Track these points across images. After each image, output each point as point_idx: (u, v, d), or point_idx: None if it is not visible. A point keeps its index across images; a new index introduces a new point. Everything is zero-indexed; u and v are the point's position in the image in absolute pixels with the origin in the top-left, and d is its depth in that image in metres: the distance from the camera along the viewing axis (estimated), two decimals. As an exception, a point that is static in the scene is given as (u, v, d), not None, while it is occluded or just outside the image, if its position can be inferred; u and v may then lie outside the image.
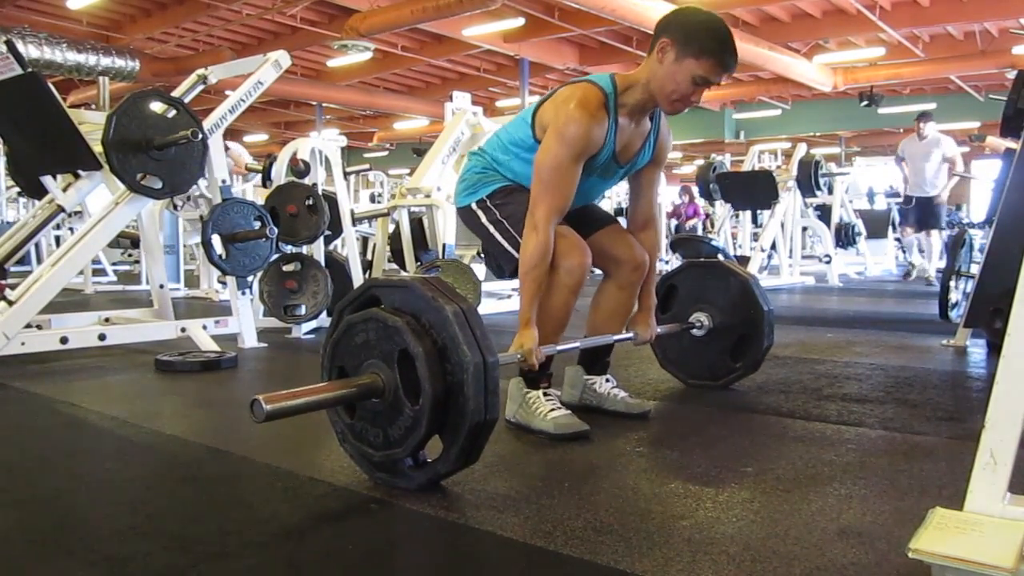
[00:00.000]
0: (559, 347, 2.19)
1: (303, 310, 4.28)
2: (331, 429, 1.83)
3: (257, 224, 3.84)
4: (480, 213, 2.30)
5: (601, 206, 2.56)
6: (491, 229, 2.27)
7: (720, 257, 7.34)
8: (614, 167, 2.24)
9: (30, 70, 3.41)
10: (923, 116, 7.81)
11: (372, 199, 12.33)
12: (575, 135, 2.06)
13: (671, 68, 2.05)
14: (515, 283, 2.48)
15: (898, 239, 11.86)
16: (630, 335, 2.41)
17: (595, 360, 2.46)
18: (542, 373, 2.26)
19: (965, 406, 2.67)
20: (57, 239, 8.48)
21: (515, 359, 2.05)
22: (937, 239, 8.02)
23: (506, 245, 2.24)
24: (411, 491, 1.70)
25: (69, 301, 6.02)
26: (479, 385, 1.58)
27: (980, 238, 5.59)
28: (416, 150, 16.62)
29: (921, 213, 7.90)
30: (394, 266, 5.88)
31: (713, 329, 2.67)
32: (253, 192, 7.24)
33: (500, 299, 5.52)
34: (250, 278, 4.00)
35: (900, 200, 8.69)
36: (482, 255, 5.03)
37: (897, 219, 10.21)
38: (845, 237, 9.22)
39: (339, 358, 1.76)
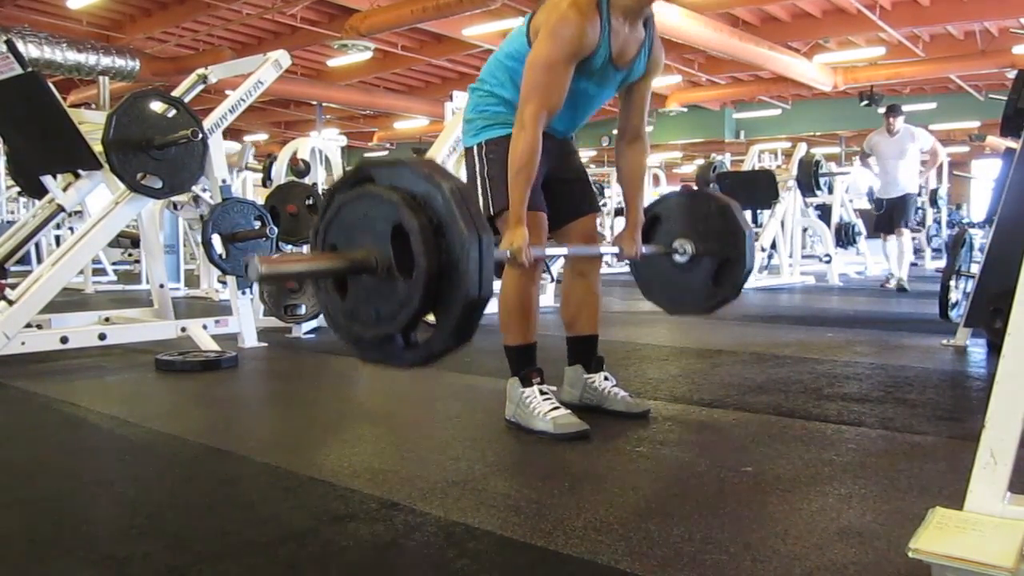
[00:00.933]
0: (548, 250, 2.16)
1: (303, 310, 4.28)
2: (331, 428, 1.83)
3: (257, 224, 3.84)
4: (476, 158, 2.28)
5: (596, 203, 2.56)
6: (477, 180, 2.26)
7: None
8: (611, 72, 2.22)
9: (30, 70, 3.41)
10: (892, 110, 7.06)
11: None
12: (568, 34, 2.05)
13: None
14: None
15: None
16: (616, 249, 2.40)
17: (590, 355, 2.47)
18: (530, 365, 2.27)
19: (965, 406, 2.67)
20: (57, 239, 8.47)
21: (505, 256, 2.02)
22: (907, 239, 7.22)
23: (483, 201, 2.23)
24: (417, 497, 1.70)
25: (69, 301, 6.02)
26: (474, 262, 1.56)
27: (980, 238, 5.58)
28: (416, 150, 16.57)
29: (889, 210, 7.08)
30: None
31: (695, 256, 2.64)
32: (253, 192, 7.24)
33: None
34: (250, 278, 4.00)
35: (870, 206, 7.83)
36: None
37: (862, 230, 9.44)
38: (845, 237, 9.21)
39: (331, 236, 1.73)
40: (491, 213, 2.19)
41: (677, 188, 17.40)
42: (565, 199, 2.36)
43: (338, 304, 1.74)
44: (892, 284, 7.18)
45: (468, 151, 2.32)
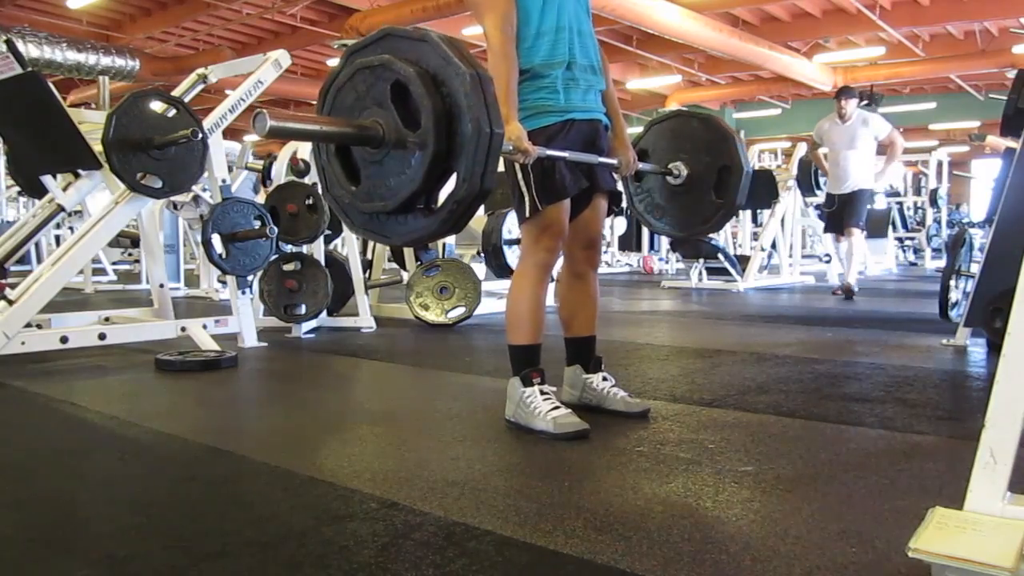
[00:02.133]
0: (548, 151, 2.14)
1: (303, 309, 4.28)
2: (331, 428, 1.83)
3: (257, 223, 3.84)
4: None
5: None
6: (519, 174, 2.23)
7: (720, 257, 7.39)
8: None
9: (30, 69, 3.42)
10: (844, 92, 6.23)
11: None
12: None
13: None
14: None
15: (899, 239, 11.87)
16: (615, 161, 2.38)
17: (587, 356, 2.47)
18: (533, 366, 2.28)
19: (965, 406, 2.67)
20: (57, 238, 8.48)
21: (508, 148, 2.00)
22: (860, 240, 6.35)
23: (525, 196, 2.22)
24: (417, 497, 1.70)
25: (69, 300, 6.02)
26: (482, 153, 1.57)
27: (980, 238, 5.58)
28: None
29: (840, 207, 6.28)
30: (394, 265, 5.89)
31: (691, 174, 2.63)
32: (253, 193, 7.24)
33: (500, 299, 5.53)
34: (250, 277, 4.00)
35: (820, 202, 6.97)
36: (482, 254, 5.05)
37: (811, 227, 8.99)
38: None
39: (340, 102, 1.72)
40: (537, 209, 2.20)
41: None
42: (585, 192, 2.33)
43: (351, 192, 1.72)
44: (842, 291, 6.38)
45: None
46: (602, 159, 2.33)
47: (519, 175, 2.22)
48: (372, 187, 1.70)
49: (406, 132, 1.61)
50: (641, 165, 2.49)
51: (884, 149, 6.40)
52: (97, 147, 3.50)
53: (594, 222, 2.41)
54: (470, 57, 1.63)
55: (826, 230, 6.88)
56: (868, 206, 6.51)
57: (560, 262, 2.45)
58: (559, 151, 2.18)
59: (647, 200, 2.75)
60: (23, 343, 3.26)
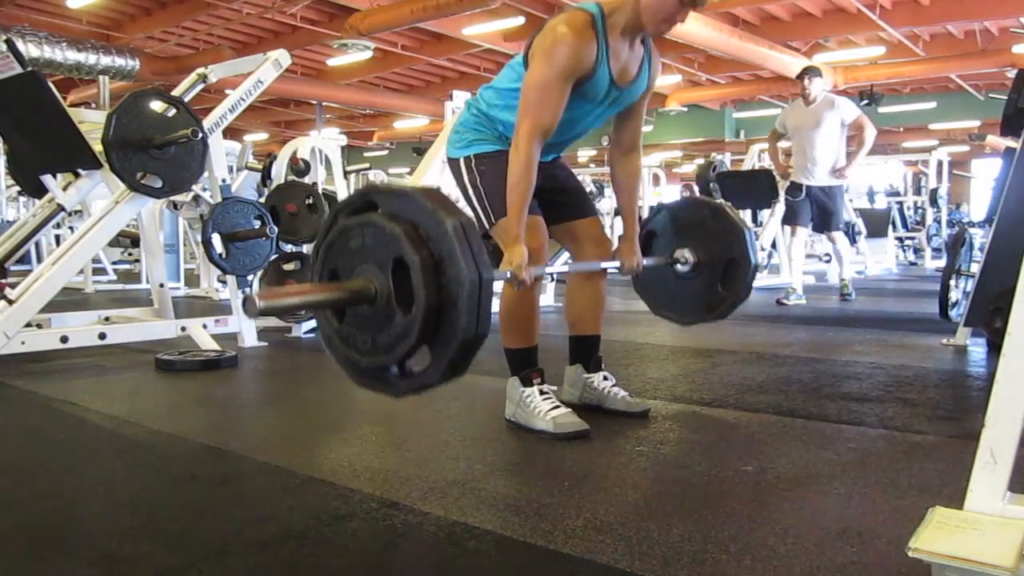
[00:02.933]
0: (548, 269, 2.16)
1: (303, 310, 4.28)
2: (331, 428, 1.83)
3: (257, 223, 3.84)
4: (464, 171, 2.29)
5: (594, 207, 2.56)
6: (470, 191, 2.27)
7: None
8: (615, 92, 2.22)
9: (30, 69, 3.41)
10: (807, 71, 5.63)
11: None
12: (561, 53, 2.05)
13: None
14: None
15: (899, 239, 11.86)
16: (617, 263, 2.39)
17: (589, 355, 2.47)
18: (532, 367, 2.28)
19: (965, 405, 2.67)
20: (57, 238, 8.48)
21: (505, 277, 2.03)
22: (843, 241, 6.02)
23: (480, 215, 2.24)
24: (417, 497, 1.70)
25: (69, 300, 6.02)
26: (473, 301, 1.57)
27: (980, 237, 5.56)
28: (416, 149, 16.61)
29: (817, 207, 5.68)
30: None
31: (698, 263, 2.63)
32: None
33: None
34: (250, 277, 4.00)
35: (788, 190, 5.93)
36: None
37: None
38: (845, 236, 9.20)
39: (331, 261, 1.73)
40: (488, 226, 2.20)
41: (678, 187, 17.41)
42: (563, 205, 2.37)
43: (335, 328, 1.75)
44: (793, 301, 5.71)
45: (454, 162, 2.33)
46: (604, 263, 2.36)
47: (472, 194, 2.25)
48: (361, 333, 1.72)
49: (395, 292, 1.63)
50: (646, 261, 2.48)
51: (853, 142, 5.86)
52: (97, 147, 3.50)
53: (594, 222, 2.44)
54: (453, 208, 1.64)
55: (784, 221, 6.19)
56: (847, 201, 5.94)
57: (560, 261, 2.46)
58: (558, 267, 2.24)
59: (649, 284, 2.72)
60: (23, 343, 3.26)
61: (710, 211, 2.66)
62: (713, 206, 2.69)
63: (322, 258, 1.75)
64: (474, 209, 2.26)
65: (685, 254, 2.63)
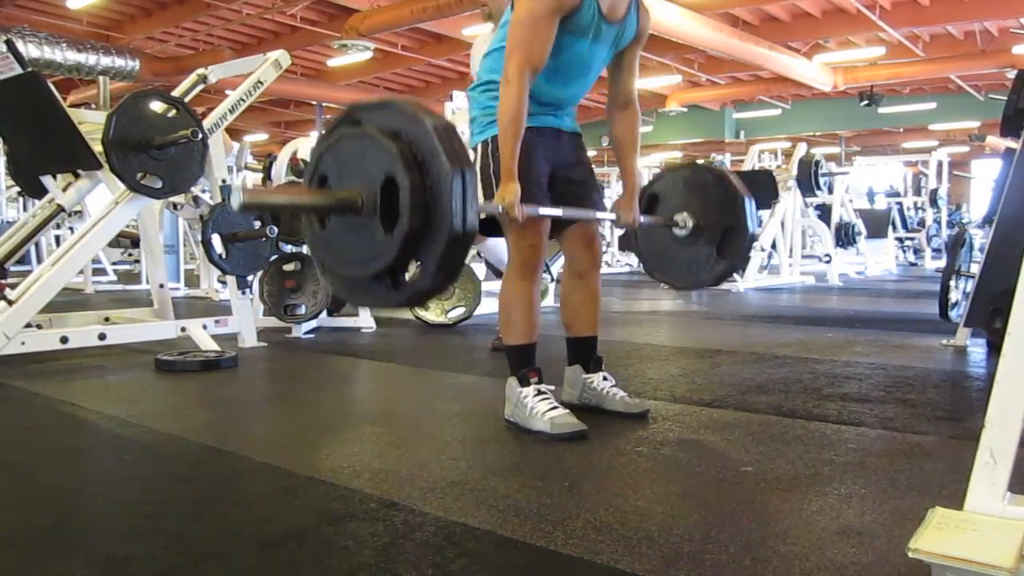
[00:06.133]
0: (541, 210, 2.14)
1: (303, 310, 4.28)
2: (331, 428, 1.84)
3: (257, 224, 3.84)
4: (482, 155, 2.27)
5: (602, 206, 2.55)
6: (491, 169, 2.24)
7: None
8: (604, 28, 2.21)
9: (30, 69, 3.41)
10: None
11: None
12: None
13: None
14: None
15: (899, 239, 11.87)
16: (613, 216, 2.39)
17: (588, 356, 2.47)
18: (530, 365, 2.27)
19: (965, 406, 2.67)
20: (57, 239, 8.47)
21: (497, 209, 2.02)
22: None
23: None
24: (417, 497, 1.70)
25: (69, 301, 6.02)
26: (458, 197, 1.58)
27: (980, 238, 5.57)
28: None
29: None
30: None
31: (697, 227, 2.61)
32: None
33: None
34: (250, 278, 4.00)
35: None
36: (481, 255, 5.05)
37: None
38: (845, 237, 9.22)
39: (324, 167, 1.76)
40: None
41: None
42: (570, 201, 2.35)
43: (323, 239, 1.77)
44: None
45: (474, 149, 2.32)
46: (599, 213, 2.36)
47: (483, 180, 2.22)
48: (338, 245, 1.74)
49: (381, 206, 1.65)
50: (643, 219, 2.47)
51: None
52: (97, 147, 3.50)
53: (593, 229, 2.43)
54: (431, 111, 1.67)
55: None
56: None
57: (560, 262, 2.46)
58: (551, 209, 2.20)
59: (648, 244, 2.72)
60: (23, 343, 3.26)
61: (714, 178, 2.65)
62: (717, 173, 2.68)
63: (314, 165, 1.78)
64: (494, 191, 2.23)
65: (684, 218, 2.61)
